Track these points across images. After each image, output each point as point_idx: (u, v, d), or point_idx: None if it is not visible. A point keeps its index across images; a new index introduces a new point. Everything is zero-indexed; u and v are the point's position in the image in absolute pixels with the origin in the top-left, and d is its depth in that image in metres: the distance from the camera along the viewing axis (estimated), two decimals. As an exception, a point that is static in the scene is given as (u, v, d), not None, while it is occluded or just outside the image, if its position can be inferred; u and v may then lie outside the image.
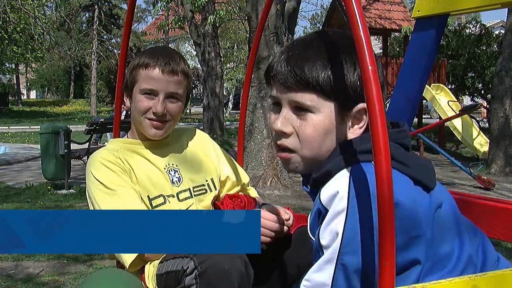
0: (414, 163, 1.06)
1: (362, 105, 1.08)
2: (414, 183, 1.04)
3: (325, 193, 1.03)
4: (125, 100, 1.84)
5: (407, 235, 0.99)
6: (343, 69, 1.07)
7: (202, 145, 1.96)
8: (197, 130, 2.02)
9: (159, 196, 1.75)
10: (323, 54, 1.08)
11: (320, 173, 1.09)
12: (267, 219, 1.66)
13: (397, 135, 1.11)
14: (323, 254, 1.02)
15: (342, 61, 1.08)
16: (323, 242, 1.02)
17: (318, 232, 1.03)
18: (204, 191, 1.85)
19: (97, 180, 1.69)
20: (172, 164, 1.83)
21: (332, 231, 1.00)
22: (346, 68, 1.07)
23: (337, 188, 1.01)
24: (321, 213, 1.04)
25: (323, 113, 1.09)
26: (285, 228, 1.70)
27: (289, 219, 1.72)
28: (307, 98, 1.09)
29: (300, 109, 1.11)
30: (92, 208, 1.70)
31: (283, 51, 1.14)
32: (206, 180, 1.87)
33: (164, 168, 1.80)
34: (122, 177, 1.70)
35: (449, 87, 14.28)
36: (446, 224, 1.07)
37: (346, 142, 1.08)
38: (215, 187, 1.88)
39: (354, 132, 1.10)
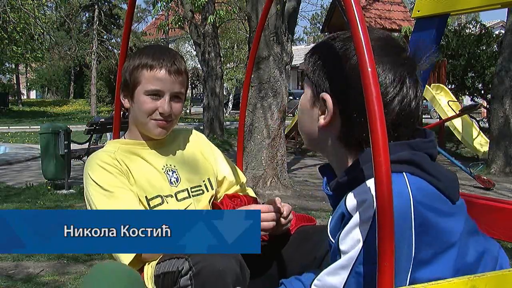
0: (443, 176, 1.05)
1: (323, 95, 1.10)
2: (444, 197, 1.04)
3: (352, 199, 1.02)
4: (122, 101, 1.83)
5: (433, 249, 1.00)
6: (322, 57, 1.12)
7: (199, 145, 1.96)
8: (193, 130, 2.02)
9: (156, 197, 1.75)
10: (322, 42, 1.17)
11: (346, 178, 1.09)
12: (263, 211, 1.66)
13: (425, 144, 1.09)
14: (340, 258, 1.02)
15: (326, 49, 1.13)
16: (342, 247, 1.01)
17: (339, 236, 1.02)
18: (201, 191, 1.85)
19: (94, 182, 1.69)
20: (170, 165, 1.83)
21: (353, 239, 1.00)
22: (324, 57, 1.12)
23: (366, 197, 1.00)
24: (345, 217, 1.03)
25: (305, 91, 1.17)
26: (282, 220, 1.70)
27: (280, 205, 1.71)
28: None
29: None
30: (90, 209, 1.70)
31: None
32: (203, 181, 1.87)
33: (162, 169, 1.81)
34: (119, 178, 1.70)
35: (449, 87, 14.26)
36: (471, 232, 1.08)
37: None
38: (212, 187, 1.89)
39: (319, 121, 1.13)
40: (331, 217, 1.10)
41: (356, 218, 1.00)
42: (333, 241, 1.07)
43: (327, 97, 1.09)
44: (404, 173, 1.01)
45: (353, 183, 1.05)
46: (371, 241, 0.97)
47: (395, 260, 0.94)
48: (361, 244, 0.99)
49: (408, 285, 0.98)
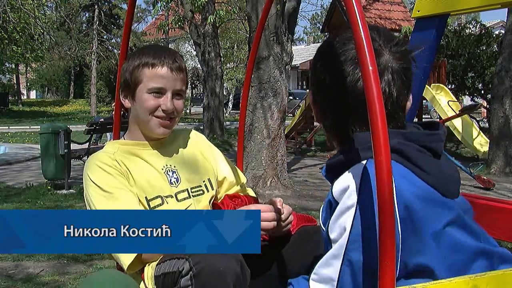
0: (436, 171, 1.05)
1: (308, 91, 1.22)
2: (431, 189, 1.03)
3: (337, 186, 1.04)
4: (123, 101, 1.83)
5: (419, 237, 1.00)
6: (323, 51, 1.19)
7: (199, 145, 1.96)
8: (193, 131, 2.02)
9: (157, 197, 1.75)
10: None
11: (333, 161, 1.11)
12: (264, 210, 1.66)
13: (424, 137, 1.09)
14: (331, 247, 1.02)
15: (329, 44, 1.18)
16: (332, 236, 1.02)
17: (328, 225, 1.03)
18: (201, 192, 1.85)
19: (93, 183, 1.69)
20: (170, 165, 1.83)
21: (340, 226, 1.00)
22: (323, 53, 1.19)
23: (349, 183, 1.01)
24: (332, 205, 1.04)
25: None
26: (283, 223, 1.70)
27: (281, 206, 1.71)
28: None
29: None
30: None
31: None
32: (204, 181, 1.87)
33: (162, 169, 1.80)
34: (118, 179, 1.70)
35: (449, 87, 14.26)
36: (468, 229, 1.08)
37: (362, 135, 1.07)
38: (212, 187, 1.89)
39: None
40: (321, 207, 1.11)
41: (341, 205, 1.01)
42: (323, 227, 1.08)
43: (309, 92, 1.20)
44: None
45: (339, 169, 1.07)
46: (357, 227, 0.98)
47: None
48: (348, 231, 0.99)
49: (398, 273, 0.99)
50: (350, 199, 1.00)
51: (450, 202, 1.05)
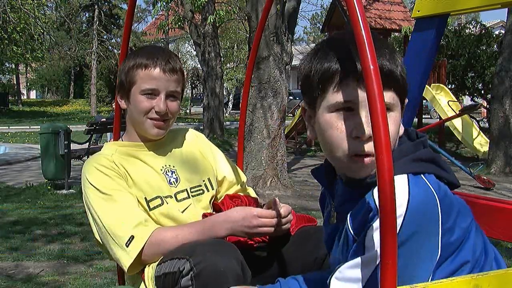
0: (446, 166, 1.09)
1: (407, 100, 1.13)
2: (446, 184, 1.07)
3: None
4: (119, 102, 1.83)
5: (454, 246, 1.04)
6: (403, 67, 1.10)
7: (198, 145, 1.96)
8: (192, 130, 2.02)
9: (156, 198, 1.75)
10: (392, 53, 1.09)
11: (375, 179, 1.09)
12: (265, 216, 1.65)
13: (427, 142, 1.13)
14: (363, 253, 1.01)
15: (399, 60, 1.10)
16: (368, 243, 1.01)
17: (365, 232, 1.02)
18: (201, 191, 1.85)
19: (92, 185, 1.69)
20: (169, 165, 1.83)
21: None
22: (402, 66, 1.10)
23: (399, 193, 0.98)
24: (372, 211, 1.02)
25: (397, 110, 1.09)
26: (282, 220, 1.70)
27: (279, 206, 1.70)
28: (389, 97, 1.06)
29: None
30: (89, 213, 1.71)
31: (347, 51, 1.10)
32: (203, 181, 1.87)
33: (161, 169, 1.80)
34: (117, 181, 1.70)
35: (449, 87, 14.26)
36: (477, 226, 1.12)
37: (400, 148, 1.09)
38: (212, 186, 1.88)
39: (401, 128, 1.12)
40: (352, 211, 1.08)
41: None
42: (352, 232, 1.06)
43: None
44: (421, 175, 1.03)
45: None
46: (402, 236, 0.96)
47: (420, 260, 0.98)
48: None
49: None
50: (398, 209, 0.97)
51: (461, 200, 1.09)
